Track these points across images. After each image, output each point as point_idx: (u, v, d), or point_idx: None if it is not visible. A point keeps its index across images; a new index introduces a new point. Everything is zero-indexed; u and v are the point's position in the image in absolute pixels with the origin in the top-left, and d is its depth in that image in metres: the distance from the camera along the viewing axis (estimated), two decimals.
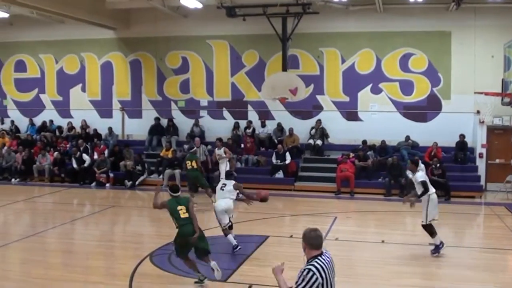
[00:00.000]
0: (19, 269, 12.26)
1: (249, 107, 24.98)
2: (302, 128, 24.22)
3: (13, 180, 24.37)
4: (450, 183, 20.64)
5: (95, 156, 24.21)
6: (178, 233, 10.61)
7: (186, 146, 23.94)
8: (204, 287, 10.65)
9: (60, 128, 27.05)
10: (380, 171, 21.80)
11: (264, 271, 11.32)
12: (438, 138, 22.29)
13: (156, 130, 25.52)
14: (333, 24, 23.59)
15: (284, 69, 22.73)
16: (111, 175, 23.56)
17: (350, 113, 24.02)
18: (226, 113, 25.26)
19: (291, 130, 23.97)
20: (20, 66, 27.88)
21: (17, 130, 27.72)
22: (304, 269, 5.86)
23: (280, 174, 22.63)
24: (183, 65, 25.57)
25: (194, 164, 18.91)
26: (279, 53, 23.12)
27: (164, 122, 25.66)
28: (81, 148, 24.48)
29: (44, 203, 20.61)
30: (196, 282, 10.72)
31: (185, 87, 25.59)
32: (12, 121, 27.95)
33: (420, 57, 23.32)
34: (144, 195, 21.59)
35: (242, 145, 24.05)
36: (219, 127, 25.01)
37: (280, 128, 24.34)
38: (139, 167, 23.36)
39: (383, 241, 13.98)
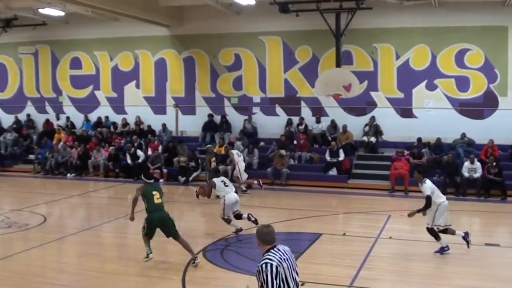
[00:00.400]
0: (75, 262, 12.52)
1: (302, 104, 24.90)
2: (355, 125, 24.03)
3: (68, 175, 24.90)
4: (506, 182, 20.19)
5: (149, 152, 24.53)
6: (149, 217, 11.70)
7: (238, 143, 24.05)
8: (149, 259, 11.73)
9: (114, 124, 27.51)
10: (435, 169, 21.44)
11: (317, 269, 11.32)
12: (494, 136, 21.83)
13: (209, 126, 25.69)
14: (387, 20, 23.30)
15: (338, 65, 22.59)
16: (165, 171, 23.85)
17: (405, 110, 23.71)
18: (279, 110, 25.24)
19: (344, 127, 23.82)
20: (76, 63, 28.42)
21: (73, 126, 28.29)
22: (261, 265, 5.88)
23: (333, 172, 22.50)
24: (236, 61, 25.65)
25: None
26: (332, 49, 22.99)
27: (217, 118, 25.80)
28: (135, 144, 24.85)
29: (99, 197, 21.03)
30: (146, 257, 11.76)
31: (238, 83, 25.68)
32: (68, 117, 28.52)
33: (476, 52, 22.86)
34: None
35: (295, 142, 24.02)
36: (272, 124, 25.03)
37: (333, 124, 24.20)
38: (192, 163, 23.57)
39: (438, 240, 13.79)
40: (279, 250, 6.01)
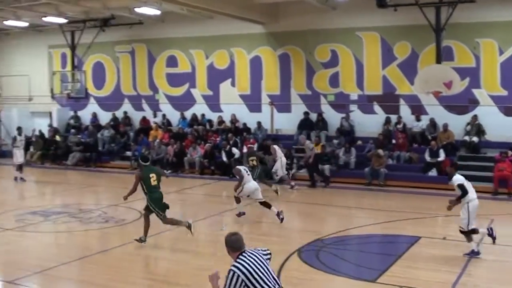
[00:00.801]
0: (169, 256, 12.85)
1: (401, 101, 24.46)
2: (456, 124, 23.34)
3: (164, 171, 25.44)
4: None
5: (244, 150, 24.75)
6: (152, 199, 13.20)
7: (335, 141, 23.94)
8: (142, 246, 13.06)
9: (210, 121, 27.95)
10: None
11: (415, 273, 11.14)
12: None
13: (305, 124, 25.67)
14: (490, 13, 22.47)
15: (438, 61, 22.08)
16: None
17: (509, 108, 22.82)
18: (377, 108, 24.91)
19: (445, 125, 23.21)
20: (172, 62, 29.07)
21: (169, 123, 28.95)
22: (228, 270, 6.35)
23: (433, 172, 22.01)
24: (332, 58, 25.48)
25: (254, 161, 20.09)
26: (432, 44, 22.48)
27: (313, 116, 25.75)
28: (231, 142, 25.16)
29: (194, 194, 21.41)
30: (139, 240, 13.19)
31: (334, 80, 25.51)
32: (164, 115, 29.22)
33: None
34: (293, 190, 21.77)
35: (394, 141, 23.65)
36: (370, 122, 24.72)
37: (433, 123, 23.64)
38: (288, 162, 23.61)
39: None
40: (246, 255, 6.43)
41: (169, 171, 24.83)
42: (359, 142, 24.37)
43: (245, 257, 6.41)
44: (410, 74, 23.63)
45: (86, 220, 16.23)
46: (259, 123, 26.56)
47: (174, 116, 29.15)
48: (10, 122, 32.30)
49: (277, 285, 6.43)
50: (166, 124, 28.82)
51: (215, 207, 18.24)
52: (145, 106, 30.09)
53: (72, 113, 32.16)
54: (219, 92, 28.03)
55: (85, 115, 31.79)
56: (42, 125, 31.83)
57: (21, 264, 12.14)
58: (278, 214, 15.82)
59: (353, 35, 24.97)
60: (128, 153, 27.89)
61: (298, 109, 26.13)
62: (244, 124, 26.82)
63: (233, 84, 27.68)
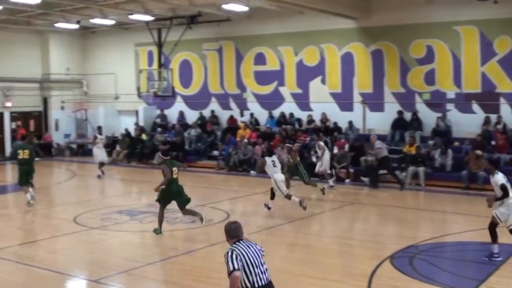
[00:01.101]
0: None
1: (501, 100, 23.74)
2: None
3: (251, 171, 25.70)
4: None
5: (335, 151, 24.63)
6: (167, 188, 14.45)
7: (430, 142, 23.53)
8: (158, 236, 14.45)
9: (299, 121, 27.97)
10: None
11: None
12: None
13: (398, 124, 25.31)
14: None
15: None
16: (351, 170, 23.88)
17: None
18: (475, 107, 24.26)
19: None
20: (260, 59, 29.25)
21: (257, 122, 29.17)
22: (226, 252, 7.01)
23: None
24: (428, 54, 24.99)
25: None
26: None
27: (407, 115, 25.37)
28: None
29: (283, 195, 21.39)
30: (154, 231, 14.60)
31: (430, 78, 25.02)
32: (252, 114, 29.46)
33: None
34: (385, 193, 21.56)
35: (493, 142, 22.97)
36: (467, 122, 24.04)
37: None
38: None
39: None
40: (243, 243, 7.10)
41: (256, 172, 25.10)
42: (456, 143, 23.81)
43: (241, 243, 7.09)
44: (511, 70, 22.94)
45: (172, 220, 16.51)
46: (350, 123, 26.38)
47: (262, 115, 29.33)
48: (97, 120, 33.37)
49: (266, 277, 7.14)
50: (254, 123, 29.05)
51: (302, 210, 18.20)
52: (232, 105, 30.42)
53: (158, 111, 32.90)
54: (309, 90, 27.98)
55: (172, 113, 32.46)
56: (128, 124, 32.75)
57: (105, 264, 12.51)
58: (300, 202, 16.93)
59: (450, 30, 24.42)
60: (215, 153, 28.27)
61: (392, 108, 25.78)
62: (335, 124, 26.70)
63: (323, 82, 27.58)
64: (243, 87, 29.99)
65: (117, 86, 33.86)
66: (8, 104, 32.85)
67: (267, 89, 29.18)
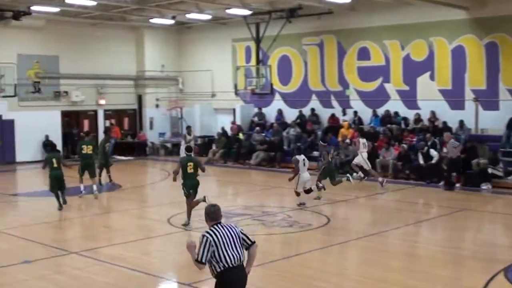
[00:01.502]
0: (357, 268, 12.89)
1: None
2: None
3: (354, 174, 25.35)
4: None
5: (444, 150, 24.11)
6: (185, 183, 16.12)
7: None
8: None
9: (406, 120, 27.60)
10: None
11: None
12: None
13: None
14: None
15: None
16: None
17: None
18: None
19: None
20: (364, 54, 29.02)
21: (360, 121, 28.96)
22: (201, 235, 7.77)
23: None
24: None
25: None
26: None
27: None
28: (429, 143, 24.62)
29: (386, 200, 21.26)
30: (183, 224, 16.07)
31: None
32: (355, 112, 29.26)
33: None
34: (499, 199, 21.00)
35: None
36: None
37: None
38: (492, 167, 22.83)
39: None
40: (221, 226, 7.85)
41: (358, 175, 24.90)
42: None
43: (218, 226, 7.84)
44: None
45: (269, 223, 16.67)
46: (461, 122, 25.81)
47: (365, 113, 29.08)
48: (192, 119, 34.00)
49: (240, 257, 7.78)
50: (357, 122, 28.86)
51: (410, 216, 18.01)
52: (334, 102, 30.33)
53: (256, 110, 33.21)
54: (416, 87, 27.54)
55: (270, 112, 32.70)
56: (225, 122, 33.23)
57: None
58: (317, 185, 19.55)
59: None
60: (315, 153, 28.19)
61: (507, 106, 25.02)
62: (444, 123, 26.17)
63: (432, 78, 27.11)
64: (345, 83, 29.83)
65: (214, 83, 34.41)
66: (102, 101, 34.00)
67: (371, 86, 28.91)
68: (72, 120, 33.62)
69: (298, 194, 19.17)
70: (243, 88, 30.02)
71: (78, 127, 33.20)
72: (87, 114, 34.24)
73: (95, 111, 34.22)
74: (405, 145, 25.34)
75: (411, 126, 27.11)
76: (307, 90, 31.19)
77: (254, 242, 8.10)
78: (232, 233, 7.86)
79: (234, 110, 33.64)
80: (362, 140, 23.24)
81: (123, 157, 31.64)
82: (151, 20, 31.83)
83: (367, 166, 23.05)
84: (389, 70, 28.29)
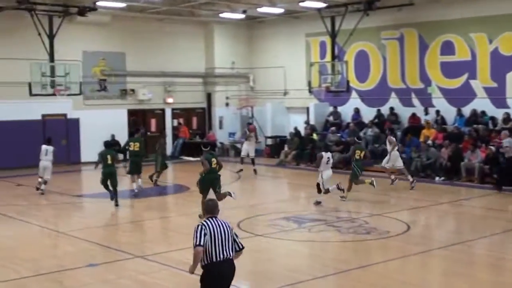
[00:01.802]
0: (440, 279, 12.56)
1: None
2: None
3: (436, 178, 25.00)
4: None
5: None
6: (205, 177, 17.39)
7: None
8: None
9: (493, 119, 26.92)
10: None
11: None
12: None
13: None
14: None
15: None
16: None
17: None
18: None
19: None
20: (448, 48, 28.47)
21: (443, 121, 28.39)
22: (196, 226, 8.41)
23: None
24: None
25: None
26: None
27: None
28: None
29: (472, 207, 20.79)
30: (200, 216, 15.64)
31: None
32: (438, 111, 28.70)
33: None
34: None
35: None
36: None
37: None
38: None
39: None
40: (214, 220, 8.51)
41: (442, 178, 24.44)
42: None
43: (213, 220, 8.52)
44: None
45: (345, 230, 16.47)
46: None
47: (449, 112, 28.51)
48: (264, 118, 33.95)
49: (228, 252, 8.39)
50: (440, 122, 28.30)
51: (498, 224, 17.48)
52: (415, 101, 29.85)
53: (331, 108, 32.97)
54: (505, 83, 26.86)
55: (346, 111, 32.42)
56: (298, 122, 33.08)
57: (270, 274, 12.65)
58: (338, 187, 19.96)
59: None
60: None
61: None
62: None
63: None
64: (427, 80, 29.33)
65: (286, 80, 34.24)
66: (170, 100, 34.27)
67: (455, 83, 28.35)
68: (138, 119, 33.94)
69: (327, 192, 19.67)
70: (318, 85, 29.92)
71: (145, 126, 33.51)
72: (154, 113, 34.62)
73: (163, 110, 34.57)
74: (492, 147, 24.66)
75: (500, 126, 26.39)
76: (386, 88, 30.78)
77: (243, 248, 8.76)
78: (225, 228, 8.51)
79: (307, 109, 33.46)
80: (393, 139, 23.87)
81: (191, 158, 31.69)
82: (220, 15, 31.96)
83: (400, 164, 23.50)
84: (475, 65, 27.69)
